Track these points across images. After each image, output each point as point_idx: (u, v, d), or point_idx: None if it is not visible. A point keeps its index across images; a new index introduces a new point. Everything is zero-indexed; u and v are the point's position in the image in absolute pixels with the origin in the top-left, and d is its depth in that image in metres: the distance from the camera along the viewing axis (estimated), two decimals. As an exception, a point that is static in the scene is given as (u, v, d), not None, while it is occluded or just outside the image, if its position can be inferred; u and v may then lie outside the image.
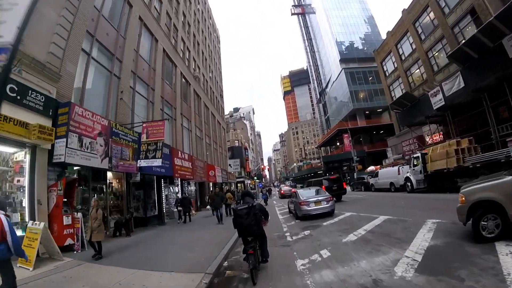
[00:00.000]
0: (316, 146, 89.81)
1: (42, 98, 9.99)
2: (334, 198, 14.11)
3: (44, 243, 8.66)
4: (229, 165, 25.10)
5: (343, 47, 76.07)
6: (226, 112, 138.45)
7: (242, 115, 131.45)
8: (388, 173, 25.60)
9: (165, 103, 21.63)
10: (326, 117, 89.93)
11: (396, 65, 37.98)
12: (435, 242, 6.79)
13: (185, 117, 25.58)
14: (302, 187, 27.99)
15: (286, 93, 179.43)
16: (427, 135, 30.55)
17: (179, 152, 20.09)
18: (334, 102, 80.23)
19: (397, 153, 38.76)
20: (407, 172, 21.95)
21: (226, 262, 7.76)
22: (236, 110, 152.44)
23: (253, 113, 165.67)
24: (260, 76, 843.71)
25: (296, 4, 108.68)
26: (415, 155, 21.35)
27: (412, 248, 6.58)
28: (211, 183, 30.88)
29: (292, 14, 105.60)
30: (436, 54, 30.38)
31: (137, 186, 17.07)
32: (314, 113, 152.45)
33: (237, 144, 67.33)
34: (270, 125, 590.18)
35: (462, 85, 20.38)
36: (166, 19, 24.00)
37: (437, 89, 23.21)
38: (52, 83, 10.88)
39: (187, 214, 16.95)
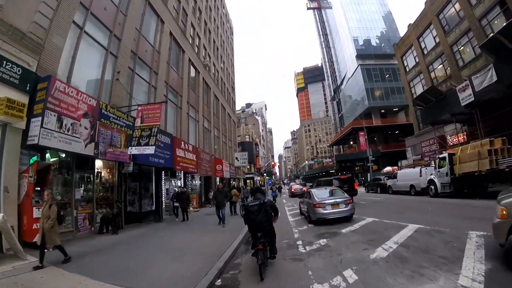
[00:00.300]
0: (328, 144, 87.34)
1: (18, 71, 8.60)
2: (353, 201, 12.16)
3: (6, 238, 7.25)
4: (236, 158, 22.99)
5: (360, 43, 73.62)
6: (238, 107, 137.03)
7: (254, 111, 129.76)
8: (408, 175, 23.52)
9: (170, 90, 20.06)
10: (340, 115, 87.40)
11: (417, 60, 35.61)
12: (494, 264, 5.13)
13: (192, 106, 24.00)
14: (311, 186, 26.23)
15: (299, 90, 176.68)
16: (449, 136, 28.30)
17: (182, 143, 18.48)
18: (349, 100, 77.80)
19: (416, 154, 36.48)
20: (431, 174, 19.93)
21: (219, 279, 6.02)
22: (249, 105, 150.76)
23: (266, 109, 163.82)
24: (273, 72, 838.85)
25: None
26: (441, 156, 19.26)
27: (466, 272, 4.89)
28: (217, 178, 29.32)
29: (308, 8, 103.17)
30: (462, 48, 28.14)
31: (133, 177, 15.57)
32: (327, 111, 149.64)
33: (247, 140, 65.66)
34: (282, 122, 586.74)
35: (495, 79, 18.15)
36: (174, 2, 22.39)
37: (466, 83, 20.98)
38: (33, 55, 9.42)
39: (184, 211, 15.11)
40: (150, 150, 11.23)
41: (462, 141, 26.67)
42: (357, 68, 70.63)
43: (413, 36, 35.64)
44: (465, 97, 20.84)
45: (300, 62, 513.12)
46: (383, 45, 74.02)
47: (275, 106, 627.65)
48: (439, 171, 18.70)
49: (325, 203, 11.35)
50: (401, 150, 54.56)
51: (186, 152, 18.55)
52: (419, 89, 35.68)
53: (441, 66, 31.59)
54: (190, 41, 25.44)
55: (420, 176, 21.52)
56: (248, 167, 65.01)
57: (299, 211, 16.03)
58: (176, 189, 17.45)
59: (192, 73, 25.70)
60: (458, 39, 27.99)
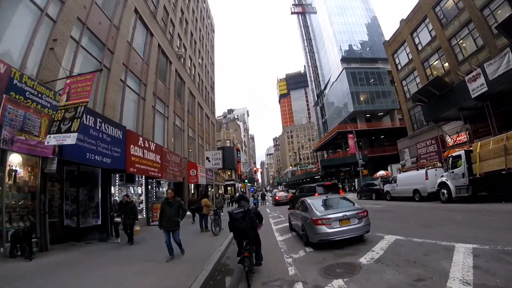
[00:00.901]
0: (312, 150, 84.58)
1: None
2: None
3: None
4: (207, 158, 18.40)
5: (345, 46, 72.09)
6: (219, 112, 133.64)
7: (236, 117, 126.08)
8: (411, 178, 20.38)
9: (130, 75, 16.22)
10: (323, 120, 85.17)
11: (411, 57, 33.20)
12: None
13: (160, 99, 20.18)
14: (295, 193, 23.20)
15: (282, 96, 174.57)
16: (448, 135, 25.64)
17: (141, 139, 14.47)
18: (333, 104, 75.64)
19: (410, 157, 33.78)
20: (441, 177, 16.90)
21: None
22: (230, 111, 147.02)
23: (248, 115, 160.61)
24: (254, 78, 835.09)
25: (297, 3, 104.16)
26: (454, 154, 16.25)
27: None
28: (192, 185, 25.46)
29: (292, 13, 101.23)
30: (461, 41, 25.85)
31: (72, 181, 11.67)
32: (310, 118, 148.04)
33: (228, 145, 61.86)
34: (264, 129, 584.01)
35: (513, 64, 15.61)
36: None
37: (477, 72, 18.24)
38: None
39: (128, 229, 10.48)
40: (71, 139, 7.43)
41: (465, 140, 24.18)
42: (341, 71, 68.90)
43: (406, 32, 33.27)
44: (476, 87, 18.09)
45: (283, 68, 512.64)
46: (368, 49, 72.95)
47: (258, 113, 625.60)
48: (452, 172, 15.68)
49: (330, 218, 7.75)
50: (388, 155, 52.40)
51: (145, 151, 14.63)
52: (413, 88, 33.37)
53: (438, 61, 29.30)
54: (162, 26, 21.74)
55: (427, 179, 18.46)
56: (229, 173, 61.26)
57: (288, 225, 12.46)
58: (117, 198, 12.94)
59: (163, 62, 21.98)
60: (457, 32, 25.93)
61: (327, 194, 9.67)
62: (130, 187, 15.64)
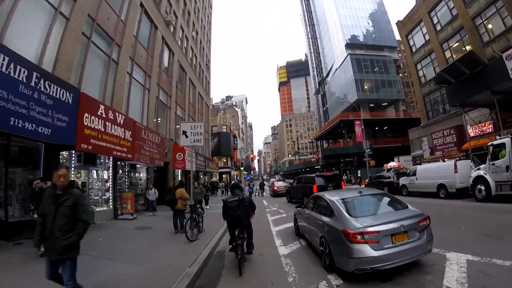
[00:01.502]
0: (312, 139, 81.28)
1: None
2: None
3: None
4: (183, 133, 13.71)
5: (350, 32, 68.14)
6: (218, 100, 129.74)
7: (234, 103, 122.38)
8: (435, 171, 17.20)
9: (98, 30, 12.69)
10: (324, 108, 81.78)
11: (428, 37, 29.71)
12: None
13: (139, 66, 16.71)
14: (293, 184, 20.40)
15: (281, 84, 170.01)
16: (469, 125, 22.47)
17: (101, 107, 10.99)
18: (335, 92, 72.23)
19: (421, 148, 30.69)
20: (477, 169, 13.81)
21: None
22: (229, 98, 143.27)
23: (246, 102, 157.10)
24: (255, 65, 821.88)
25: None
26: (497, 142, 13.08)
27: None
28: (179, 171, 22.28)
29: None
30: (487, 21, 22.70)
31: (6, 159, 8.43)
32: (309, 107, 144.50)
33: (224, 130, 58.48)
34: (263, 118, 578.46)
35: None
36: None
37: (519, 48, 15.01)
38: None
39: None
40: None
41: (491, 130, 21.15)
42: (346, 57, 65.39)
43: (423, 10, 29.74)
44: (517, 66, 14.86)
45: (283, 56, 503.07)
46: (373, 36, 69.19)
47: (256, 102, 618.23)
48: (493, 164, 12.57)
49: (379, 231, 4.50)
50: (391, 147, 49.40)
51: (109, 124, 11.24)
52: (429, 72, 30.20)
53: (459, 42, 25.87)
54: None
55: (456, 172, 15.33)
56: (225, 160, 58.11)
57: (293, 227, 9.31)
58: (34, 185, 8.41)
59: (146, 25, 18.46)
60: (483, 10, 22.78)
61: (361, 190, 6.37)
62: (93, 170, 12.34)
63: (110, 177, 12.95)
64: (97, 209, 12.28)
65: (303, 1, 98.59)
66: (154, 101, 18.13)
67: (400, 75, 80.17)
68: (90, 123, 10.12)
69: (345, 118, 53.94)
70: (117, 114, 12.12)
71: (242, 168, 42.95)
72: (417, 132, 32.63)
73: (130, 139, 12.94)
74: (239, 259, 5.51)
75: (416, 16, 31.51)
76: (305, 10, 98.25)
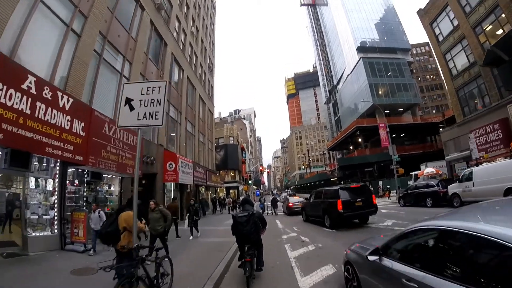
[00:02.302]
0: (325, 150, 76.50)
1: None
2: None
3: None
4: (127, 101, 9.18)
5: (361, 35, 64.52)
6: (226, 113, 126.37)
7: (242, 117, 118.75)
8: (501, 171, 12.63)
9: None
10: (336, 117, 77.39)
11: (456, 22, 25.41)
12: None
13: (112, 44, 12.72)
14: (309, 199, 15.93)
15: (290, 96, 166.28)
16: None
17: (30, 79, 6.88)
18: (348, 99, 68.00)
19: (458, 151, 26.00)
20: None
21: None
22: (237, 112, 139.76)
23: (255, 115, 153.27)
24: (262, 79, 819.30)
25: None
26: None
27: None
28: (172, 184, 18.06)
29: (302, 4, 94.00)
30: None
31: None
32: (319, 118, 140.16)
33: (232, 142, 54.30)
34: (272, 133, 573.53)
35: None
36: None
37: None
38: None
39: None
40: None
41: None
42: (358, 61, 61.64)
43: (448, -7, 25.67)
44: None
45: (291, 68, 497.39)
46: (385, 38, 65.38)
47: (265, 117, 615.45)
48: None
49: None
50: (410, 155, 44.65)
51: (43, 106, 7.13)
52: (461, 61, 25.80)
53: (494, 24, 21.58)
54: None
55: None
56: (232, 174, 53.71)
57: (338, 276, 5.12)
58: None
59: (126, 1, 14.69)
60: None
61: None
62: (30, 177, 8.15)
63: (56, 188, 8.75)
64: (34, 234, 8.16)
65: (310, 9, 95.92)
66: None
67: (415, 77, 76.29)
68: (2, 97, 6.04)
69: (362, 125, 49.45)
70: (59, 93, 7.98)
71: (250, 182, 38.03)
72: (451, 133, 27.85)
73: (82, 133, 8.78)
74: (247, 276, 5.30)
75: (440, 0, 27.39)
76: (312, 18, 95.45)
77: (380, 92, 57.66)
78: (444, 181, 18.15)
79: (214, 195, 24.56)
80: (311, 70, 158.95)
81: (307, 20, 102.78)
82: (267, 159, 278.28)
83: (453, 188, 15.85)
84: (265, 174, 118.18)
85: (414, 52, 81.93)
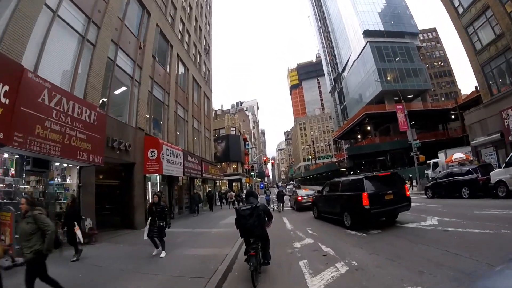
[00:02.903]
0: (332, 139, 73.17)
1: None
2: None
3: None
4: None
5: (367, 19, 61.11)
6: (228, 106, 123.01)
7: (245, 108, 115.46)
8: None
9: None
10: (342, 106, 74.01)
11: (479, -9, 22.20)
12: None
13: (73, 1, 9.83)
14: (322, 192, 12.89)
15: (293, 87, 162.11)
16: None
17: None
18: (355, 86, 64.75)
19: (485, 134, 22.82)
20: None
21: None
22: (239, 104, 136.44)
23: (257, 108, 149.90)
24: (264, 73, 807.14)
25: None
26: None
27: None
28: (157, 176, 15.10)
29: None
30: None
31: None
32: (323, 108, 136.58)
33: (233, 133, 51.30)
34: (275, 125, 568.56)
35: None
36: None
37: None
38: None
39: None
40: None
41: None
42: (365, 46, 58.33)
43: (468, -42, 22.27)
44: None
45: (293, 59, 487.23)
46: (392, 22, 61.90)
47: (268, 110, 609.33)
48: None
49: None
50: (423, 143, 41.14)
51: None
52: (486, 34, 22.57)
53: None
54: None
55: None
56: (234, 166, 50.89)
57: None
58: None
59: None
60: None
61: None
62: None
63: None
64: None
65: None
66: (100, 62, 11.04)
67: (425, 63, 72.87)
68: None
69: (371, 111, 46.10)
70: None
71: (252, 173, 34.70)
72: (477, 114, 24.53)
73: (5, 100, 5.93)
74: (252, 271, 5.01)
75: (460, -32, 24.03)
76: (315, 4, 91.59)
77: (388, 78, 54.57)
78: (480, 167, 15.07)
79: (210, 189, 21.43)
80: (314, 60, 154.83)
81: (309, 8, 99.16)
82: (271, 152, 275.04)
83: (498, 175, 12.85)
84: (269, 166, 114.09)
85: (421, 38, 78.31)
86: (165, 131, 17.14)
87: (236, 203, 24.15)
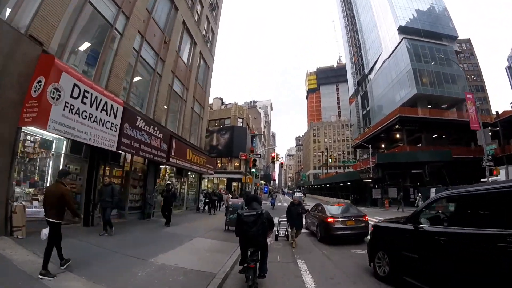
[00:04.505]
0: (345, 150, 64.91)
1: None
2: None
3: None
4: None
5: (403, 14, 54.12)
6: (241, 103, 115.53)
7: (259, 107, 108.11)
8: None
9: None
10: (364, 112, 65.93)
11: None
12: None
13: None
14: (412, 220, 4.38)
15: (310, 91, 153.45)
16: None
17: None
18: (382, 89, 57.19)
19: None
20: None
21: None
22: (253, 102, 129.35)
23: (271, 109, 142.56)
24: (280, 77, 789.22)
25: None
26: None
27: None
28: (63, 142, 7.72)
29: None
30: None
31: None
32: (339, 116, 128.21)
33: (240, 125, 43.86)
34: (286, 132, 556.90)
35: None
36: None
37: None
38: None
39: None
40: None
41: None
42: (400, 43, 51.15)
43: None
44: None
45: (313, 64, 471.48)
46: (430, 21, 55.81)
47: (281, 115, 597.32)
48: None
49: None
50: (460, 159, 33.18)
51: None
52: None
53: None
54: None
55: None
56: (237, 163, 43.33)
57: None
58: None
59: None
60: None
61: None
62: None
63: None
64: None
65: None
66: None
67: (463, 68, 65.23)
68: None
69: (405, 114, 37.94)
70: None
71: (254, 171, 26.11)
72: None
73: None
74: (250, 285, 4.72)
75: None
76: (343, 1, 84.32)
77: (424, 80, 46.93)
78: None
79: (169, 182, 13.53)
80: (335, 66, 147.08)
81: (337, 7, 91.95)
82: (280, 157, 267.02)
83: None
84: (276, 167, 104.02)
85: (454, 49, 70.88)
86: (104, 71, 9.75)
87: (214, 205, 18.62)
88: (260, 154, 29.10)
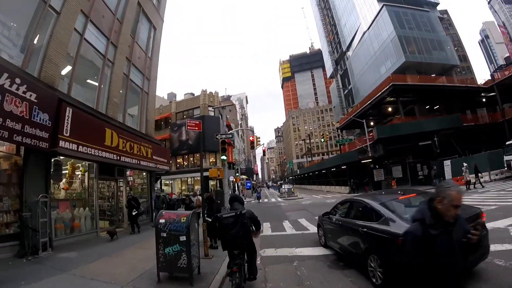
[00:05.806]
0: (329, 132, 59.67)
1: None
2: None
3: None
4: None
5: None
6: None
7: (234, 101, 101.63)
8: None
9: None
10: (346, 91, 61.04)
11: None
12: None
13: None
14: None
15: (285, 80, 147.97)
16: None
17: None
18: (364, 64, 52.56)
19: None
20: None
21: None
22: (228, 97, 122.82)
23: (247, 102, 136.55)
24: (253, 70, 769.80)
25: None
26: None
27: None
28: None
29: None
30: None
31: None
32: (317, 103, 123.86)
33: (211, 114, 37.61)
34: (264, 126, 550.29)
35: None
36: None
37: None
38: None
39: None
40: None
41: None
42: (380, 11, 46.53)
43: None
44: None
45: (285, 52, 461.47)
46: (412, -10, 50.80)
47: (258, 109, 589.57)
48: None
49: None
50: (464, 127, 28.68)
51: None
52: None
53: None
54: None
55: None
56: (212, 159, 37.10)
57: None
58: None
59: None
60: None
61: None
62: None
63: None
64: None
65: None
66: None
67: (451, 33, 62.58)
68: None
69: (399, 82, 32.68)
70: None
71: (224, 157, 19.03)
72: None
73: None
74: None
75: None
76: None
77: (410, 48, 42.54)
78: None
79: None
80: (308, 52, 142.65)
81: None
82: (260, 152, 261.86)
83: None
84: (258, 160, 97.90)
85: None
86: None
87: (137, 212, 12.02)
88: (231, 135, 22.71)
